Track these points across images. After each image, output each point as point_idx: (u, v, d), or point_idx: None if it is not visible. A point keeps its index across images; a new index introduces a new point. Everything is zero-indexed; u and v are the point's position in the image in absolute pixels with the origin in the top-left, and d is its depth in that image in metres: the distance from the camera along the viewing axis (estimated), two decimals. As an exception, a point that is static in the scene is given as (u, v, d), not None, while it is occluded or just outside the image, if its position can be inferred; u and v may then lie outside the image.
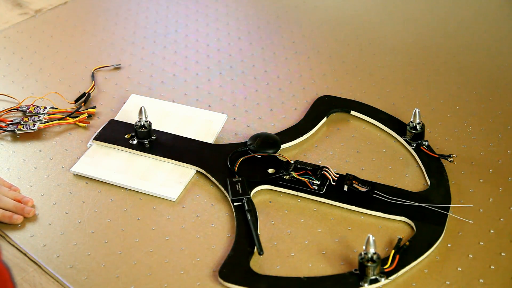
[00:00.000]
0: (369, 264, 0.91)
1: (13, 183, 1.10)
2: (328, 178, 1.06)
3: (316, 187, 1.05)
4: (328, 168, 1.07)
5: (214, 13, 1.55)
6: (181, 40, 1.46)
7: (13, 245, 1.00)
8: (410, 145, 1.13)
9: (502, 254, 0.96)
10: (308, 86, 1.31)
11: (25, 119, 1.21)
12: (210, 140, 1.17)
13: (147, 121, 1.15)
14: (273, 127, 1.21)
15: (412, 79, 1.33)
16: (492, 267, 0.95)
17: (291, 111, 1.24)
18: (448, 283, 0.93)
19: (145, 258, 0.98)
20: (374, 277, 0.92)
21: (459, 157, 1.12)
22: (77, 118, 1.21)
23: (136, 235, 1.01)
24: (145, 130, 1.14)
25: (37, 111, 1.23)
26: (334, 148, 1.16)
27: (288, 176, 1.07)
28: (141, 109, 1.14)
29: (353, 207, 1.03)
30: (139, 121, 1.15)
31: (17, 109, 1.24)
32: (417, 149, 1.13)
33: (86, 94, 1.27)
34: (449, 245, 0.98)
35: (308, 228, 1.01)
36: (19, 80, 1.34)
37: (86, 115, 1.22)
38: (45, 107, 1.23)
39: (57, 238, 1.01)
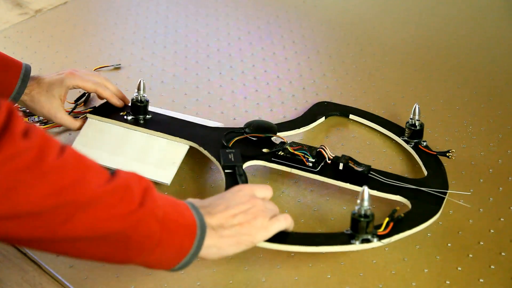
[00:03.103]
0: (362, 219, 0.87)
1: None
2: (324, 157, 1.05)
3: (311, 164, 1.04)
4: (324, 147, 1.05)
5: (214, 13, 1.55)
6: (181, 40, 1.46)
7: (13, 245, 1.00)
8: (408, 144, 1.13)
9: (502, 254, 0.96)
10: (308, 86, 1.31)
11: (25, 119, 1.21)
12: None
13: (144, 96, 1.13)
14: (273, 127, 1.20)
15: (412, 79, 1.33)
16: (492, 267, 0.94)
17: (291, 111, 1.24)
18: (448, 283, 0.92)
19: (145, 258, 0.98)
20: (366, 236, 0.88)
21: (459, 157, 1.12)
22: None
23: (136, 235, 1.01)
24: (142, 105, 1.12)
25: (37, 111, 1.22)
26: (334, 148, 1.15)
27: (282, 152, 1.05)
28: (139, 83, 1.12)
29: (348, 185, 1.01)
30: (136, 95, 1.13)
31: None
32: (416, 148, 1.12)
33: (86, 94, 1.26)
34: (449, 245, 0.97)
35: (308, 229, 1.01)
36: (19, 80, 1.34)
37: (86, 115, 1.22)
38: (45, 107, 1.23)
39: (57, 238, 1.01)
